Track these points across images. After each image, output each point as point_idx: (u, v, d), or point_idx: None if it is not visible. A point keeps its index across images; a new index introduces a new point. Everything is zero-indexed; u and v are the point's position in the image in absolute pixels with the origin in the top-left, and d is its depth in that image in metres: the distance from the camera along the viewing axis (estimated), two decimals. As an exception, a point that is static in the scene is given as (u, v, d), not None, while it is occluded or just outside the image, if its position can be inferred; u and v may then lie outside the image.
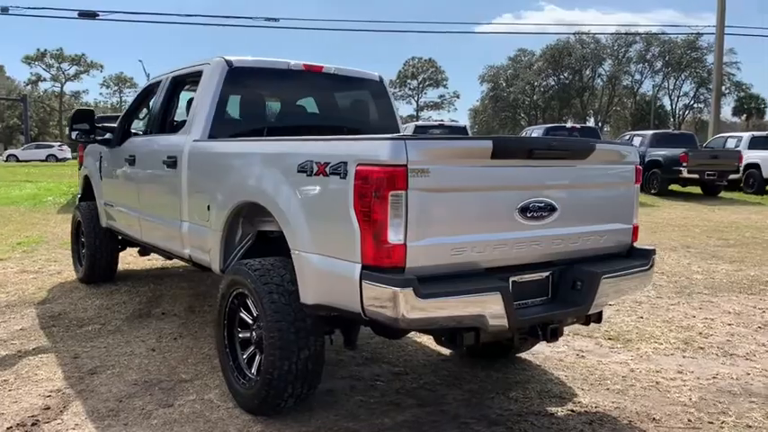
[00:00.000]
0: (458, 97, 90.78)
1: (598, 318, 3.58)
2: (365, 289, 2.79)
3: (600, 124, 76.00)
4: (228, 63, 4.49)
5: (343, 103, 5.23)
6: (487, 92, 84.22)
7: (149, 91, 5.78)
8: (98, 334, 5.06)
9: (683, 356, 4.67)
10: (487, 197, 3.02)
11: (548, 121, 70.56)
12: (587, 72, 77.76)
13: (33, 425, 3.46)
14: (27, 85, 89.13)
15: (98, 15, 28.58)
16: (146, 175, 5.15)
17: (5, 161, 46.76)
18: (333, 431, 3.41)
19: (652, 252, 3.67)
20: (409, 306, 2.69)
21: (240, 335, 3.67)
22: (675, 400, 3.89)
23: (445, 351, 4.68)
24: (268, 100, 4.91)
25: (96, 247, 6.47)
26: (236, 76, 4.53)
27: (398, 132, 5.19)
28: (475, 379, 4.19)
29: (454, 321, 2.92)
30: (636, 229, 3.71)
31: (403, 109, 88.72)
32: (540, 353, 4.68)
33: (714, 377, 4.26)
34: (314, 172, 3.08)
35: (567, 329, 5.09)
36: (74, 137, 5.86)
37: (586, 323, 3.64)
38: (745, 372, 4.36)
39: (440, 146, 2.89)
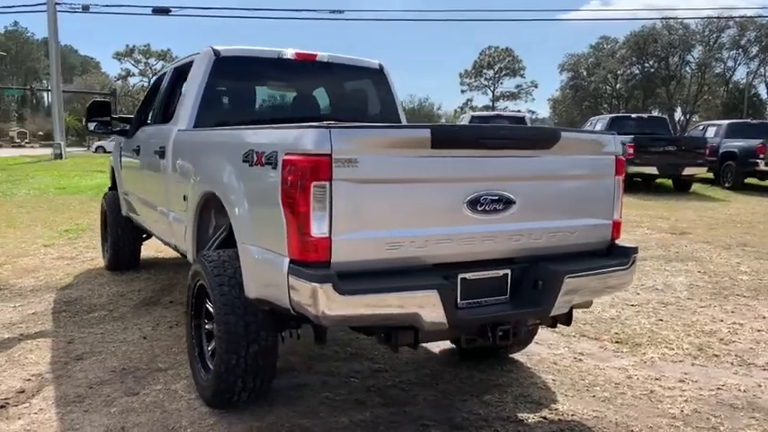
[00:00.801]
0: (536, 87, 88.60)
1: (567, 319, 3.32)
2: (291, 284, 2.68)
3: (688, 115, 72.30)
4: (216, 52, 4.47)
5: (338, 92, 5.11)
6: (567, 81, 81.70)
7: (160, 81, 5.86)
8: (101, 320, 5.18)
9: (693, 364, 4.30)
10: (429, 189, 2.84)
11: (630, 111, 67.64)
12: (674, 60, 73.90)
13: (2, 407, 3.55)
14: (117, 79, 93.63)
15: (170, 11, 29.68)
16: (145, 164, 5.22)
17: (94, 152, 49.40)
18: (286, 428, 3.32)
19: (632, 250, 3.37)
20: (329, 303, 2.56)
21: (207, 326, 3.64)
22: (665, 411, 3.57)
23: (434, 349, 4.52)
24: (258, 90, 4.86)
25: (118, 235, 6.64)
26: (224, 66, 4.50)
27: (399, 120, 5.04)
28: (455, 379, 4.00)
29: (385, 319, 2.76)
30: (617, 225, 3.42)
31: (478, 99, 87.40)
32: (535, 354, 4.44)
33: (719, 388, 3.89)
34: (254, 162, 2.99)
35: (573, 330, 4.87)
36: (92, 128, 6.01)
37: (552, 325, 3.39)
38: (757, 383, 3.97)
39: (370, 134, 2.74)
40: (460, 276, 2.95)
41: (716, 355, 4.46)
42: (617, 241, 3.46)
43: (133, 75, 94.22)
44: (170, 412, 3.47)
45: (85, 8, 29.46)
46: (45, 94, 73.08)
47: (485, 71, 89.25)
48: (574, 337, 4.85)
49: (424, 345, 4.56)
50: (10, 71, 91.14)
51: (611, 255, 3.38)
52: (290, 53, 4.71)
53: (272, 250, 2.84)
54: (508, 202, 2.99)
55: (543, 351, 4.52)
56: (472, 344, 3.14)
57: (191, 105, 4.38)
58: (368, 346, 4.56)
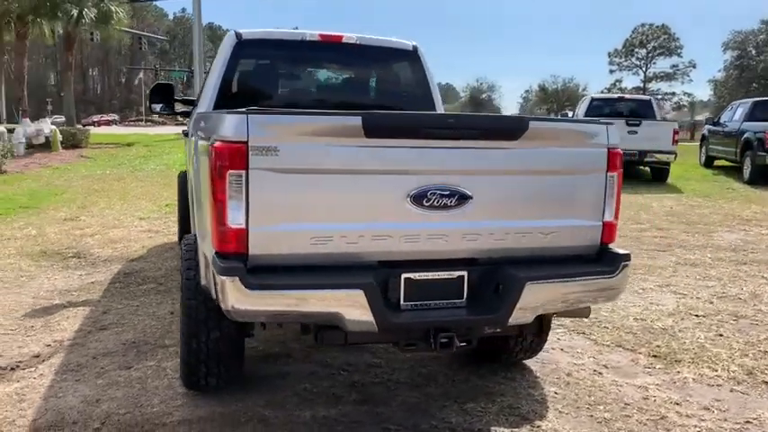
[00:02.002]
0: (693, 67, 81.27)
1: (539, 329, 2.98)
2: (213, 275, 2.61)
3: None
4: (238, 35, 4.48)
5: (367, 75, 4.94)
6: (732, 61, 74.25)
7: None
8: (145, 293, 5.46)
9: (732, 390, 3.73)
10: (363, 181, 2.63)
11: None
12: None
13: (12, 369, 3.83)
14: None
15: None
16: (188, 147, 5.38)
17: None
18: (246, 417, 3.29)
19: (622, 257, 2.95)
20: (239, 297, 2.47)
21: None
22: (665, 442, 3.12)
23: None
24: (281, 73, 4.81)
25: (183, 210, 6.96)
26: (247, 49, 4.50)
27: (435, 107, 4.79)
28: (447, 382, 3.76)
29: (303, 317, 2.62)
30: (611, 228, 3.00)
31: (628, 80, 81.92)
32: (552, 362, 4.07)
33: (748, 421, 3.34)
34: (207, 147, 2.95)
35: (610, 339, 4.42)
36: (157, 110, 6.30)
37: (519, 334, 3.05)
38: (802, 421, 3.36)
39: (293, 121, 2.57)
40: (404, 276, 2.73)
41: (766, 383, 3.83)
42: (612, 246, 3.05)
43: None
44: (148, 389, 3.57)
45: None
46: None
47: (636, 50, 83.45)
48: (608, 346, 4.39)
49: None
50: (178, 54, 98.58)
51: (600, 261, 2.98)
52: (314, 35, 4.61)
53: (206, 240, 2.79)
54: (463, 198, 2.71)
55: (564, 359, 4.13)
56: (412, 350, 2.90)
57: (211, 88, 4.43)
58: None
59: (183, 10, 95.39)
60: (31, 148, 19.03)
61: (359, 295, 2.54)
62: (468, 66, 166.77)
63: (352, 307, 2.55)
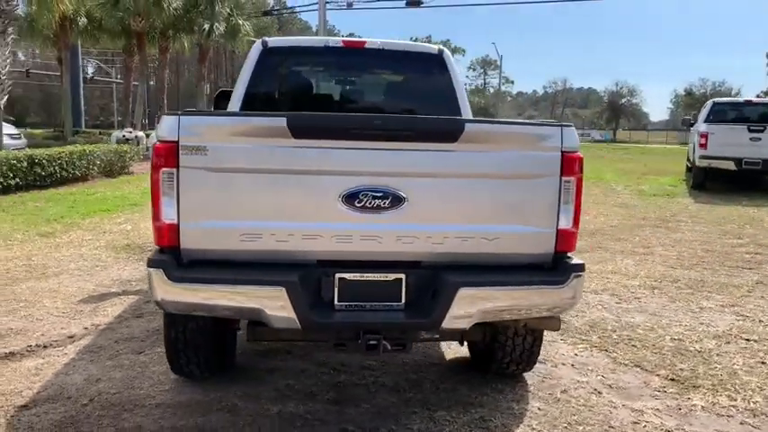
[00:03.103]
0: None
1: (482, 337, 2.87)
2: None
3: None
4: (264, 44, 4.67)
5: (390, 80, 4.95)
6: None
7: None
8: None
9: (742, 422, 3.35)
10: (294, 181, 2.68)
11: None
12: None
13: (44, 347, 4.26)
14: None
15: (422, 3, 30.94)
16: None
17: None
18: (219, 406, 3.42)
19: (574, 267, 2.76)
20: (164, 288, 2.61)
21: None
22: (631, 471, 2.88)
23: (450, 354, 4.22)
24: (305, 79, 4.94)
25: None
26: (272, 57, 4.67)
27: (460, 112, 4.72)
28: (432, 389, 3.69)
29: (228, 311, 2.71)
30: (567, 236, 2.82)
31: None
32: (555, 377, 3.90)
33: (742, 458, 2.99)
34: None
35: (631, 358, 4.13)
36: (221, 115, 6.70)
37: (460, 342, 2.93)
38: (810, 463, 2.95)
39: (221, 122, 2.68)
40: (338, 276, 2.75)
41: (789, 418, 3.40)
42: (571, 254, 2.87)
43: None
44: (146, 374, 3.83)
45: (350, 5, 32.29)
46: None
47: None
48: (625, 365, 4.10)
49: (437, 349, 4.30)
50: None
51: (552, 270, 2.82)
52: (337, 41, 4.71)
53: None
54: (397, 200, 2.68)
55: (569, 376, 3.92)
56: (342, 349, 2.87)
57: (238, 94, 4.66)
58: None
59: (326, 21, 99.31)
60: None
61: (280, 292, 2.59)
62: (609, 69, 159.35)
63: (274, 304, 2.61)
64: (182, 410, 3.38)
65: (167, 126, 2.63)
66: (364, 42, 4.72)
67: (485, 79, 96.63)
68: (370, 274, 2.77)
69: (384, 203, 2.68)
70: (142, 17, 24.99)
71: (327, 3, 33.57)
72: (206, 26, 25.26)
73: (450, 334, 2.93)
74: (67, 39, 26.81)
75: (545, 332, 4.63)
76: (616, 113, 75.93)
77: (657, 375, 3.94)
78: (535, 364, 3.80)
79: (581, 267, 2.79)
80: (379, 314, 2.78)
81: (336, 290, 2.75)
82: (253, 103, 4.58)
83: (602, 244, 8.03)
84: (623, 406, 3.53)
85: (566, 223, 2.81)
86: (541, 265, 2.84)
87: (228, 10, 26.58)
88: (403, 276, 2.78)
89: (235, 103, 4.63)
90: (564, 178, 2.77)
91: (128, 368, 3.90)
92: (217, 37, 26.79)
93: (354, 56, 4.78)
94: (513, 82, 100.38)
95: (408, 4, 30.83)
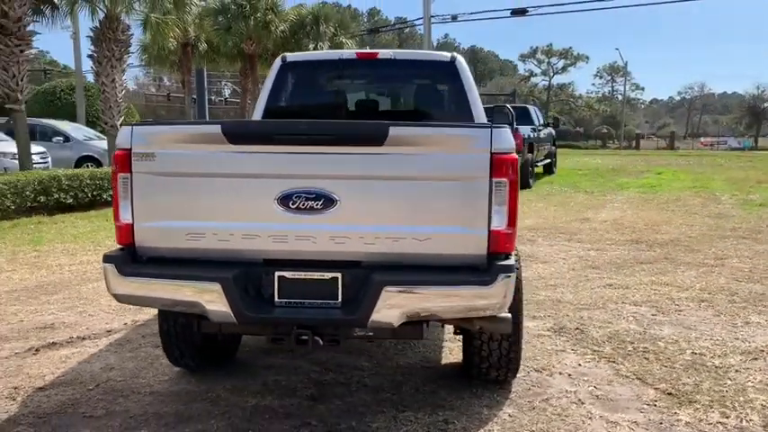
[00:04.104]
0: None
1: (419, 334, 2.92)
2: None
3: None
4: (283, 59, 4.96)
5: (403, 88, 5.05)
6: None
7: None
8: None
9: (726, 441, 3.12)
10: (232, 184, 2.88)
11: None
12: None
13: (82, 339, 4.75)
14: (520, 81, 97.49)
15: (527, 12, 30.45)
16: None
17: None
18: (203, 397, 3.67)
19: (501, 269, 2.73)
20: (116, 282, 2.89)
21: None
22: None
23: (447, 359, 4.24)
24: (321, 89, 5.14)
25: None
26: (289, 70, 4.95)
27: (472, 117, 4.76)
28: (412, 391, 3.74)
29: (173, 304, 2.93)
30: (501, 237, 2.80)
31: None
32: (543, 385, 3.82)
33: (702, 476, 2.80)
34: None
35: (636, 370, 3.97)
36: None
37: (394, 338, 2.97)
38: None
39: (165, 131, 2.92)
40: (278, 274, 2.91)
41: (781, 438, 3.12)
42: (510, 256, 2.84)
43: (535, 75, 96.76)
44: (154, 365, 4.17)
45: (454, 17, 32.50)
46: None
47: None
48: (626, 378, 3.92)
49: (436, 353, 4.33)
50: None
51: (484, 270, 2.81)
52: (351, 54, 4.90)
53: None
54: (329, 202, 2.81)
55: (559, 385, 3.82)
56: (281, 344, 2.98)
57: (259, 106, 4.97)
58: (391, 345, 4.48)
59: (446, 35, 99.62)
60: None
61: (216, 288, 2.79)
62: (753, 72, 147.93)
63: (211, 299, 2.81)
64: (170, 398, 3.67)
65: (123, 135, 2.92)
66: (377, 54, 4.87)
67: (612, 86, 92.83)
68: (308, 273, 2.90)
69: (317, 205, 2.81)
70: (253, 41, 26.56)
71: (432, 17, 33.98)
72: (311, 46, 26.37)
73: (383, 331, 2.98)
74: (189, 63, 28.96)
75: (555, 342, 4.57)
76: (758, 119, 70.28)
77: (656, 389, 3.74)
78: (517, 370, 3.75)
79: (510, 268, 2.76)
80: (315, 311, 2.90)
81: (276, 287, 2.91)
82: (272, 115, 4.87)
83: (671, 255, 7.58)
84: (600, 417, 3.39)
85: (499, 224, 2.79)
86: (477, 266, 2.84)
87: (333, 30, 27.61)
88: (339, 275, 2.88)
89: (256, 115, 4.94)
90: (495, 180, 2.76)
91: (142, 360, 4.27)
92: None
93: (368, 67, 4.94)
94: (643, 89, 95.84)
95: (513, 14, 30.53)
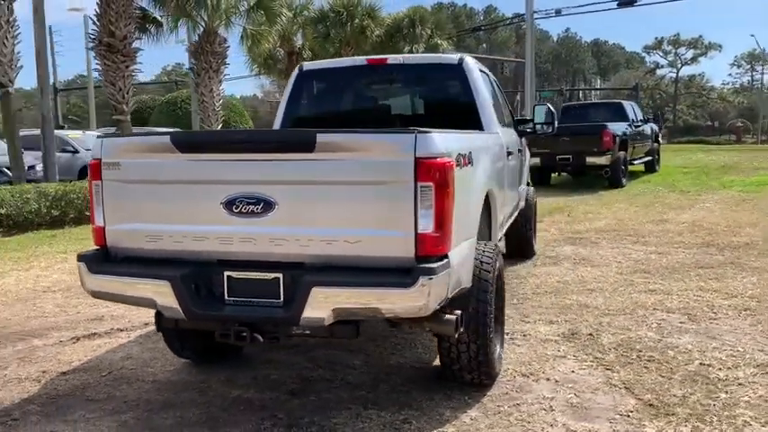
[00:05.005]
0: None
1: (353, 333, 3.01)
2: None
3: None
4: (300, 68, 5.20)
5: (413, 91, 5.10)
6: None
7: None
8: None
9: (683, 456, 2.95)
10: (184, 190, 3.11)
11: None
12: None
13: (119, 330, 5.21)
14: (645, 73, 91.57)
15: (636, 2, 28.95)
16: None
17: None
18: (195, 386, 3.95)
19: (422, 271, 2.76)
20: (87, 279, 3.22)
21: None
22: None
23: (436, 361, 4.28)
24: (336, 96, 5.30)
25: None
26: (308, 79, 5.18)
27: (479, 118, 4.78)
28: (388, 389, 3.83)
29: (133, 300, 3.20)
30: (428, 240, 2.83)
31: None
32: (522, 390, 3.77)
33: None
34: None
35: (629, 379, 3.87)
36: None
37: (331, 337, 3.09)
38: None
39: (126, 142, 3.21)
40: (227, 274, 3.12)
41: (746, 458, 2.91)
42: (442, 258, 2.88)
43: (661, 67, 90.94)
44: (166, 357, 4.51)
45: (558, 12, 31.68)
46: (579, 93, 75.23)
47: None
48: (614, 387, 3.78)
49: (435, 355, 4.39)
50: (560, 74, 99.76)
51: (408, 272, 2.85)
52: (362, 60, 5.04)
53: None
54: (268, 206, 2.98)
55: (539, 391, 3.76)
56: (227, 340, 3.15)
57: (279, 114, 5.23)
58: (391, 345, 4.58)
59: (567, 30, 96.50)
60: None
61: (166, 286, 3.05)
62: None
63: (162, 296, 3.07)
64: (166, 387, 3.99)
65: (95, 146, 3.26)
66: (386, 59, 4.98)
67: (752, 76, 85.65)
68: (252, 273, 3.09)
69: (257, 209, 2.99)
70: (351, 46, 27.24)
71: (535, 12, 33.21)
72: (406, 49, 26.64)
73: (319, 329, 3.09)
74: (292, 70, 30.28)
75: (560, 347, 4.46)
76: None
77: (639, 399, 3.58)
78: (492, 374, 3.73)
79: (432, 271, 2.79)
80: (259, 309, 3.08)
81: (226, 286, 3.12)
82: (291, 121, 5.11)
83: (740, 260, 7.05)
84: (562, 425, 3.32)
85: (426, 227, 2.83)
86: (408, 268, 2.89)
87: (429, 31, 27.72)
88: (281, 276, 3.05)
89: (277, 123, 5.21)
90: (420, 183, 2.80)
91: (158, 351, 4.64)
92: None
93: (378, 72, 5.06)
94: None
95: (620, 5, 29.15)
